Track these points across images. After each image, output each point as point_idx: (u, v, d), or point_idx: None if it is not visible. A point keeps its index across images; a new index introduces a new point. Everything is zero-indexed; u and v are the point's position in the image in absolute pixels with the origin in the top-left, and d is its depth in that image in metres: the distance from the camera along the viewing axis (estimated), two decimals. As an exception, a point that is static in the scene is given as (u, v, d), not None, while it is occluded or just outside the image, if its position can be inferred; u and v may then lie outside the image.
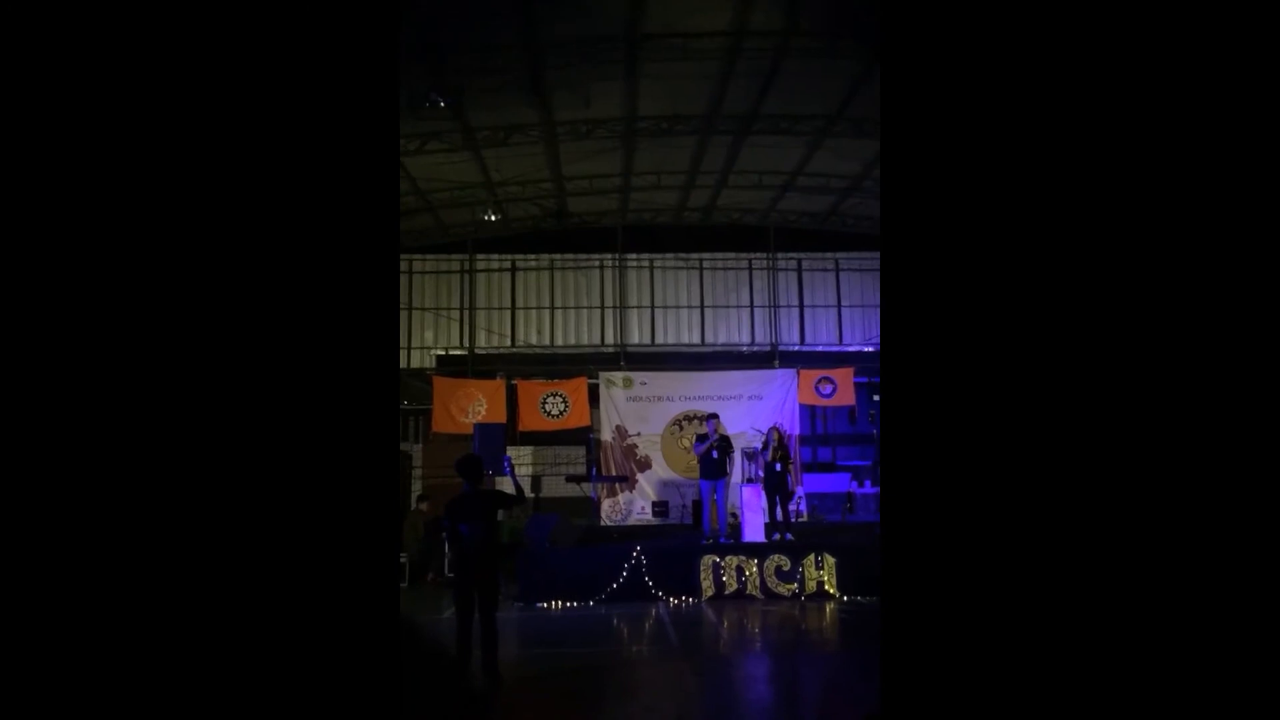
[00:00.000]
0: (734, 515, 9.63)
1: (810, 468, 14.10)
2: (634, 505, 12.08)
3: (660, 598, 7.86)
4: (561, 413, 12.72)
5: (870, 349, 14.31)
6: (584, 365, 13.96)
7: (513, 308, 15.28)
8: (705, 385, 12.66)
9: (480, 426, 10.08)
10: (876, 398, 12.70)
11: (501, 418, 12.28)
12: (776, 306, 15.17)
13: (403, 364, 14.55)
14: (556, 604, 7.79)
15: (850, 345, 14.92)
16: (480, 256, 15.36)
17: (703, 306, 15.30)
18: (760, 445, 9.34)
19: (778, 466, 8.90)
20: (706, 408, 11.66)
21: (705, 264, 15.43)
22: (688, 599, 7.88)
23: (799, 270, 15.50)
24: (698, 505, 9.85)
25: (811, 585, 7.97)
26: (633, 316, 15.22)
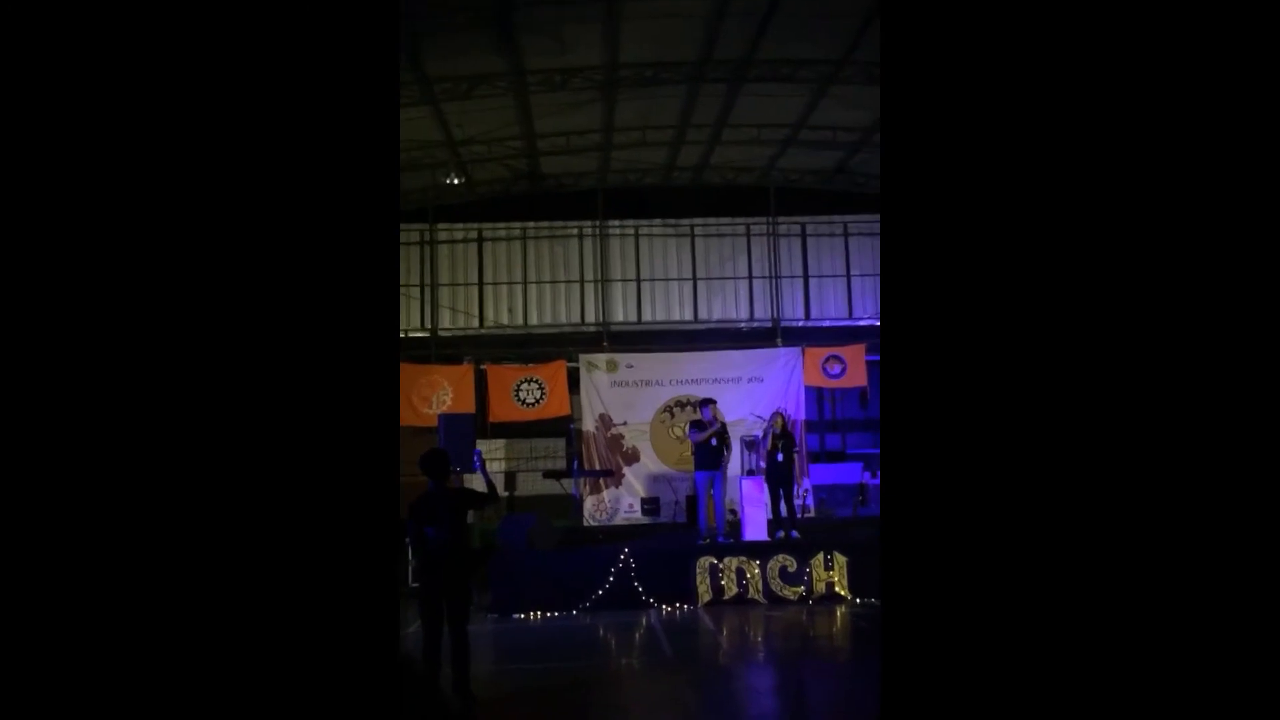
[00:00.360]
0: (733, 511, 9.68)
1: (818, 457, 14.18)
2: (621, 502, 12.12)
3: (651, 605, 7.91)
4: (537, 401, 12.72)
5: (884, 323, 14.36)
6: (562, 347, 13.95)
7: (480, 283, 15.22)
8: (699, 367, 12.68)
9: (446, 418, 10.07)
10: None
11: (470, 408, 12.27)
12: (778, 277, 15.18)
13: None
14: (535, 614, 7.83)
15: (861, 319, 14.97)
16: (442, 226, 15.27)
17: (695, 278, 15.29)
18: (761, 433, 9.37)
19: (781, 456, 8.94)
20: (701, 392, 11.66)
21: (697, 230, 15.40)
22: (682, 606, 7.94)
23: (803, 236, 15.50)
24: (692, 501, 9.89)
25: (820, 588, 8.04)
26: (616, 291, 15.19)
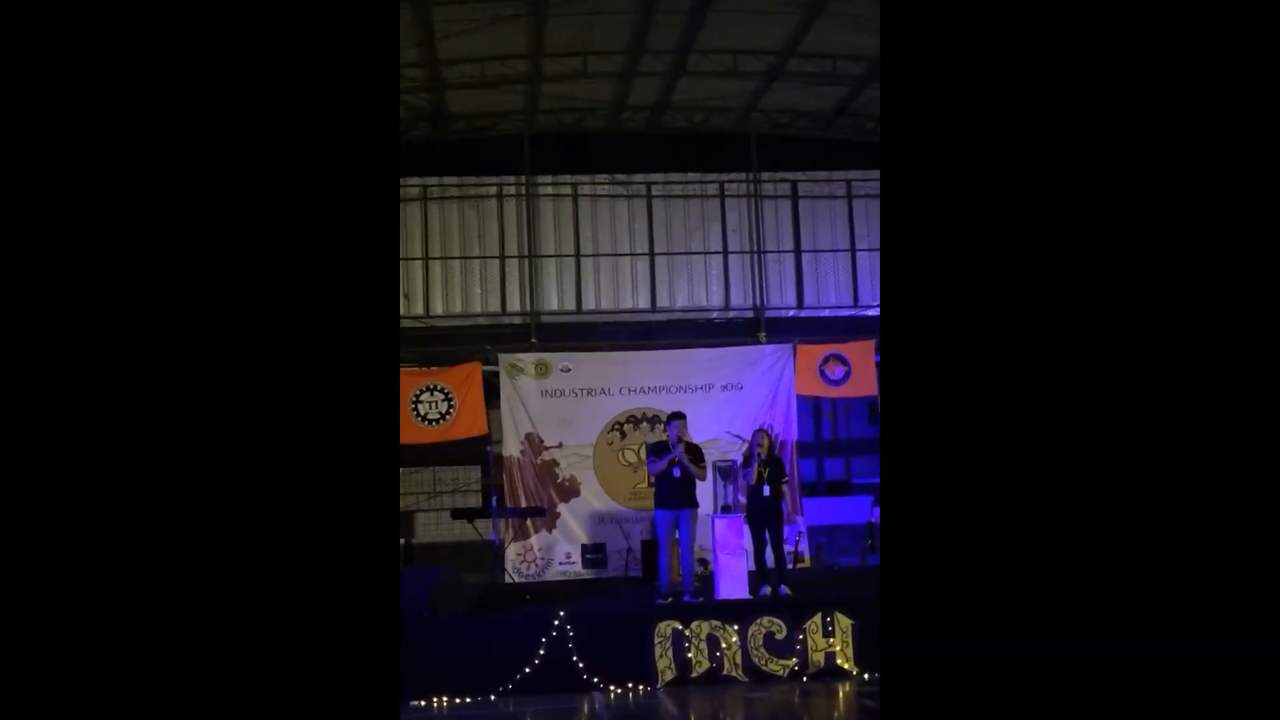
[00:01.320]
0: (704, 562, 9.72)
1: (814, 489, 14.30)
2: (555, 551, 12.10)
3: (597, 686, 7.91)
4: (443, 416, 12.64)
5: (899, 313, 14.50)
6: (476, 345, 13.86)
7: (366, 259, 15.09)
8: (658, 371, 12.71)
9: (320, 439, 9.96)
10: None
11: (352, 426, 12.15)
12: (762, 252, 15.29)
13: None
14: (440, 701, 7.79)
15: (870, 308, 15.11)
16: (314, 182, 15.12)
17: (652, 254, 15.33)
18: (741, 458, 9.41)
19: (767, 489, 8.98)
20: (661, 403, 11.72)
21: (656, 190, 15.45)
22: (637, 687, 7.94)
23: (794, 198, 15.63)
24: (651, 548, 9.91)
25: (818, 659, 8.11)
26: (549, 270, 15.17)
